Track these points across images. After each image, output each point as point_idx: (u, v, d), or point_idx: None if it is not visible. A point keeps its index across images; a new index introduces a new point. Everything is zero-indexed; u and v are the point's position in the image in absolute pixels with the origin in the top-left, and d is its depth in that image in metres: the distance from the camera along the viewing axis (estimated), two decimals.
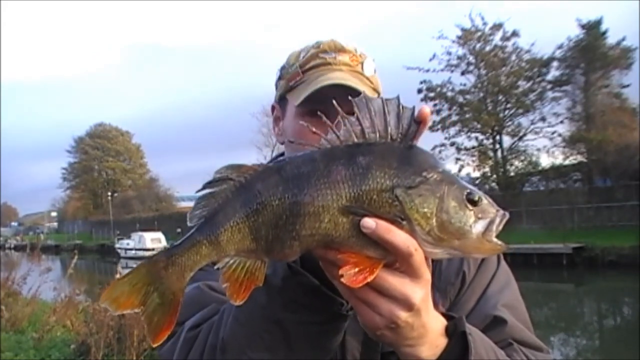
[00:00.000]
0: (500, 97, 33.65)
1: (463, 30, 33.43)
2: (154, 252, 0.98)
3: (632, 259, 21.28)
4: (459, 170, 33.74)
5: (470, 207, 0.75)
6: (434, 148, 32.67)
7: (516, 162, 34.11)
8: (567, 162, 32.45)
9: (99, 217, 67.90)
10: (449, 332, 0.85)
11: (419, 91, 33.82)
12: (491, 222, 0.76)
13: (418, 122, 0.77)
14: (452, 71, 34.25)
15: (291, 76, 1.13)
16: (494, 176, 34.22)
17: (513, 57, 33.62)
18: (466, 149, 34.85)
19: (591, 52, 30.58)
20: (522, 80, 33.38)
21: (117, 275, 6.29)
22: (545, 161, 34.05)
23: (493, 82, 33.21)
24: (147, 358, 6.24)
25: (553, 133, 32.90)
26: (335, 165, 0.76)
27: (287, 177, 0.77)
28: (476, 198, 0.76)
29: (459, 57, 34.08)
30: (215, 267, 0.79)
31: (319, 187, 0.75)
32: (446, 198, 0.75)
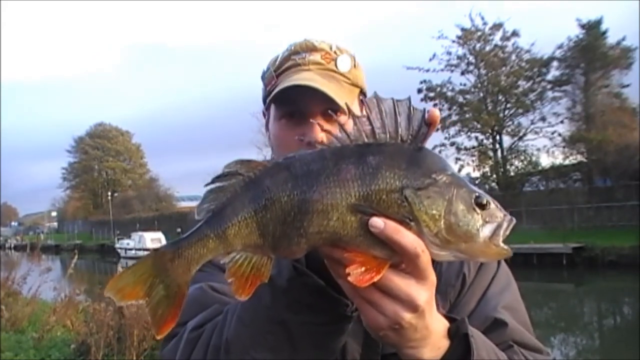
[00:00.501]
0: (500, 97, 33.68)
1: (463, 30, 33.47)
2: None
3: (632, 259, 21.26)
4: (459, 170, 33.65)
5: (478, 210, 0.75)
6: (434, 148, 32.28)
7: (516, 162, 34.16)
8: (567, 162, 32.51)
9: (99, 217, 67.89)
10: (451, 333, 0.85)
11: (419, 91, 33.84)
12: (498, 227, 0.75)
13: (428, 124, 0.77)
14: (452, 71, 34.37)
15: (268, 81, 1.17)
16: (494, 176, 34.23)
17: (513, 57, 33.69)
18: (466, 148, 34.92)
19: (591, 52, 30.60)
20: (522, 80, 33.41)
21: None
22: (545, 161, 34.15)
23: (493, 82, 33.23)
24: (147, 358, 6.24)
25: (553, 133, 32.99)
26: (345, 164, 0.76)
27: (296, 174, 0.77)
28: (484, 202, 0.76)
29: (459, 57, 34.16)
30: (222, 261, 0.79)
31: (328, 185, 0.75)
32: (455, 201, 0.75)
